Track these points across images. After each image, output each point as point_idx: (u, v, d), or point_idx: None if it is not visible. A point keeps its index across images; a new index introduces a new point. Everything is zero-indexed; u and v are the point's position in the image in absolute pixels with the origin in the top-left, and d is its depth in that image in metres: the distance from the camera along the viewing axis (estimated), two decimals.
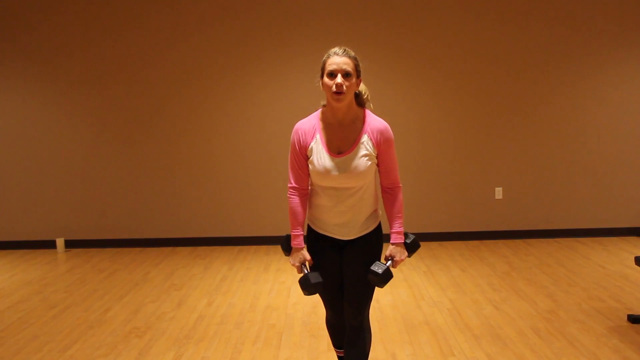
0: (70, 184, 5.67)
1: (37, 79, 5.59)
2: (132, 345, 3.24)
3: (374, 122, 2.19)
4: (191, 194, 5.66)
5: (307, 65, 5.37)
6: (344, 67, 2.07)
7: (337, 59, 2.08)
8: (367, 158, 2.15)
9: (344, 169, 2.13)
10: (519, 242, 5.50)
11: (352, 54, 2.14)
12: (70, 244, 5.71)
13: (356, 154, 2.14)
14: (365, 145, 2.15)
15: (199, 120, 5.60)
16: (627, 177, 5.62)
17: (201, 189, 5.65)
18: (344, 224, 2.23)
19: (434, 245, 5.50)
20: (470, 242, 5.58)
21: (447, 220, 5.66)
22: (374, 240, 2.29)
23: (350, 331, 2.29)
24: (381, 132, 2.17)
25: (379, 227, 2.32)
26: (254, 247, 5.62)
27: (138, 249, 5.65)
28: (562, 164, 5.61)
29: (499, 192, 5.63)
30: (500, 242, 5.53)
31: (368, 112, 2.23)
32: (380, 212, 2.36)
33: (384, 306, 3.79)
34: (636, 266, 4.49)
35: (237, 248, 5.59)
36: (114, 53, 5.55)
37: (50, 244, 5.71)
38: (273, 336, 3.33)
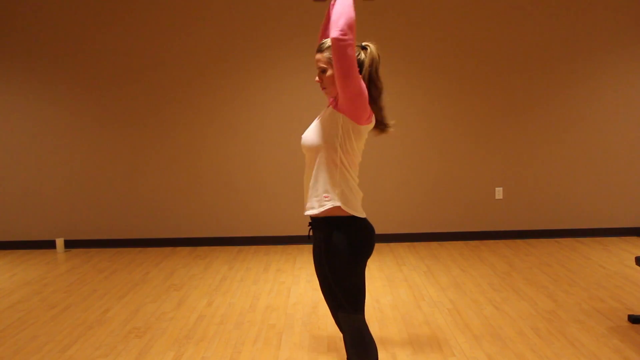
0: (70, 183, 5.67)
1: (36, 79, 5.58)
2: (132, 346, 3.23)
3: None
4: (191, 194, 5.66)
5: (307, 65, 5.36)
6: (318, 63, 2.09)
7: (316, 55, 2.10)
8: (316, 128, 2.09)
9: (304, 135, 2.16)
10: (519, 242, 5.50)
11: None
12: (70, 244, 5.71)
13: (313, 125, 2.14)
14: (323, 115, 2.11)
15: (199, 121, 5.59)
16: (627, 177, 5.62)
17: (201, 189, 5.65)
18: (305, 191, 2.18)
19: (434, 245, 5.50)
20: (470, 242, 5.58)
21: (447, 220, 5.65)
22: (324, 244, 2.09)
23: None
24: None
25: (333, 233, 2.06)
26: (254, 247, 5.61)
27: (138, 249, 5.65)
28: (562, 164, 5.61)
29: (499, 192, 5.63)
30: (500, 242, 5.52)
31: None
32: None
33: (384, 306, 3.79)
34: (637, 266, 4.48)
35: (237, 248, 5.59)
36: (113, 53, 5.54)
37: (50, 244, 5.70)
38: (273, 336, 3.33)
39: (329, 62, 2.06)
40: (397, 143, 5.55)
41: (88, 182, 5.67)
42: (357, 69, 1.94)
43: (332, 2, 2.03)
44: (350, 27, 1.87)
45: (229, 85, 5.56)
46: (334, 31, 1.86)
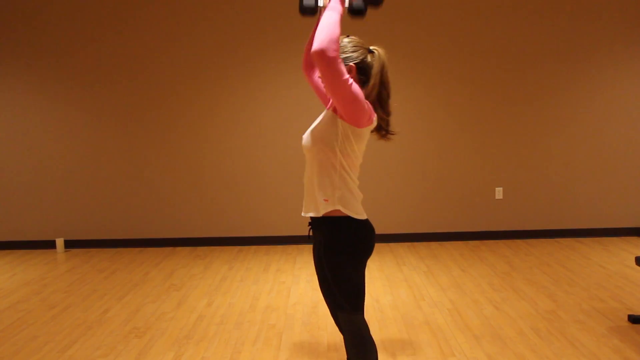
0: (70, 184, 5.67)
1: (37, 79, 5.58)
2: (132, 346, 3.23)
3: None
4: (191, 194, 5.66)
5: None
6: None
7: None
8: (316, 129, 2.09)
9: (305, 135, 2.16)
10: (519, 242, 5.50)
11: (342, 41, 2.10)
12: (70, 244, 5.71)
13: (313, 126, 2.14)
14: (323, 117, 2.11)
15: (199, 120, 5.59)
16: (627, 177, 5.62)
17: (201, 189, 5.65)
18: (304, 192, 2.18)
19: (434, 245, 5.50)
20: (470, 242, 5.58)
21: (447, 220, 5.65)
22: (323, 244, 2.10)
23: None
24: None
25: (333, 233, 2.06)
26: (254, 247, 5.61)
27: (138, 249, 5.65)
28: (563, 164, 5.61)
29: (499, 192, 5.62)
30: (500, 242, 5.52)
31: None
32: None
33: (384, 306, 3.79)
34: (637, 266, 4.49)
35: (237, 248, 5.59)
36: (113, 53, 5.54)
37: (50, 244, 5.70)
38: (273, 336, 3.33)
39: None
40: (397, 143, 5.55)
41: (88, 182, 5.67)
42: (346, 78, 1.88)
43: (319, 19, 2.01)
44: (331, 41, 1.83)
45: (229, 85, 5.56)
46: (315, 44, 1.82)
